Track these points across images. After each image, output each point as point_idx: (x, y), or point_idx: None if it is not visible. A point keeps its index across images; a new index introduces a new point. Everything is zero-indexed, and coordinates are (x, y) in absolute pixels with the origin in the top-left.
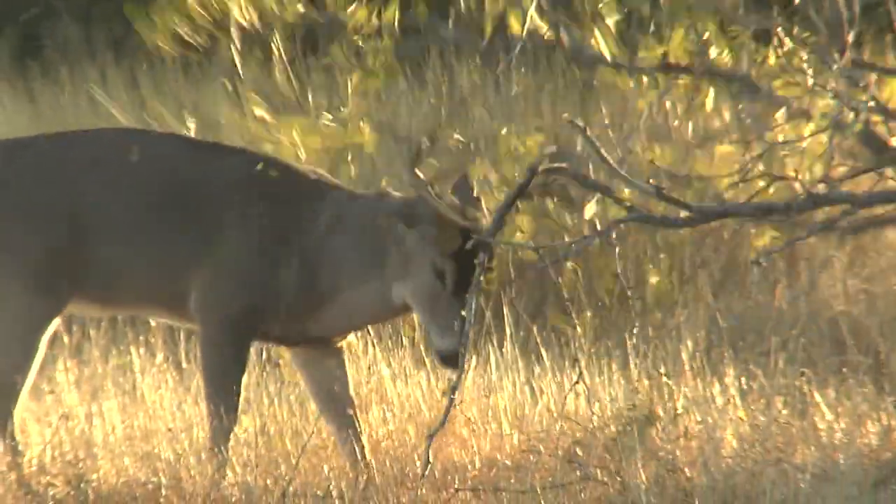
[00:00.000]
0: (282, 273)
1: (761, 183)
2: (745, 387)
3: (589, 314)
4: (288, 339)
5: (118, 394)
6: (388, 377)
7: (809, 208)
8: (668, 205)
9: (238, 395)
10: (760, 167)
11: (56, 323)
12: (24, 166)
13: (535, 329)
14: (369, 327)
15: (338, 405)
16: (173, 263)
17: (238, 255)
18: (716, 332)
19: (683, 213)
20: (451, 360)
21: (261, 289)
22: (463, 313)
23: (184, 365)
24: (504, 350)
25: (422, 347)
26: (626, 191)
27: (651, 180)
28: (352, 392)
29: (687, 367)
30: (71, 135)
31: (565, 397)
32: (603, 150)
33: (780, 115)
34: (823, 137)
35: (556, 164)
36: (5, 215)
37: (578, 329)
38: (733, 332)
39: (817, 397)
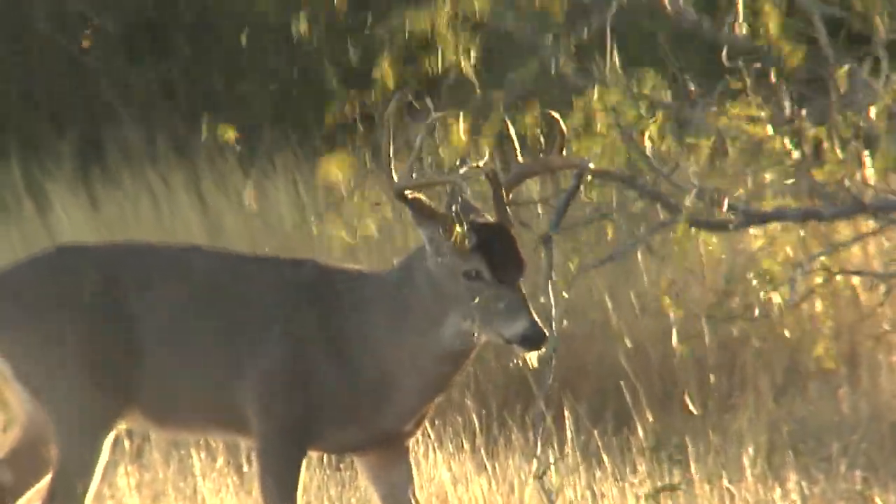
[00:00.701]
0: (327, 375)
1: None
2: (806, 492)
3: (650, 418)
4: (358, 444)
5: (179, 498)
6: (449, 481)
7: (856, 212)
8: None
9: (295, 502)
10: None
11: (117, 428)
12: (81, 273)
13: (595, 433)
14: (427, 422)
15: None
16: (220, 375)
17: (282, 364)
18: (777, 437)
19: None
20: (531, 338)
21: (308, 395)
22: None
23: (245, 468)
24: (565, 454)
25: (483, 452)
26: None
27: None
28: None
29: (748, 473)
30: (126, 245)
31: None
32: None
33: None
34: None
35: (603, 168)
36: (64, 325)
37: (640, 433)
38: (795, 436)
39: (878, 502)
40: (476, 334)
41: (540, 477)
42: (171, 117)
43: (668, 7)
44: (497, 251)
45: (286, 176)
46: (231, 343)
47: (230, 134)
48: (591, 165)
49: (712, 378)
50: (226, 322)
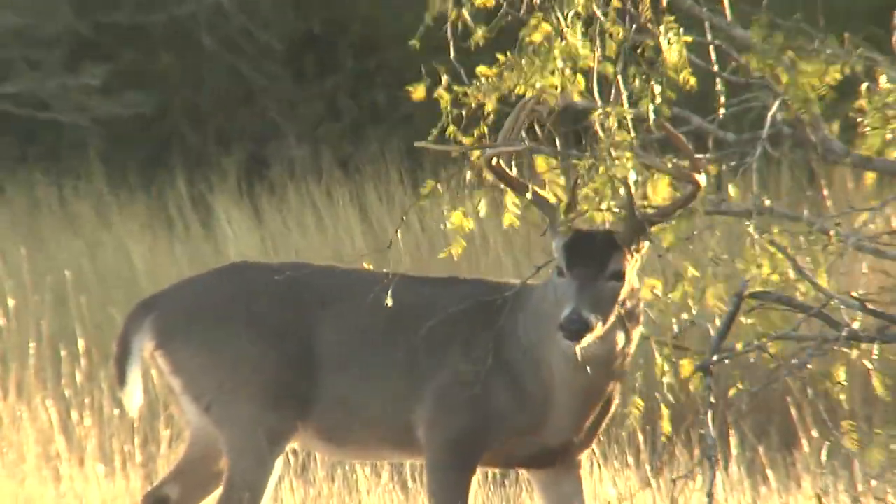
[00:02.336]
0: (497, 390)
1: None
2: None
3: (815, 433)
4: (526, 459)
5: None
6: (615, 498)
7: None
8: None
9: None
10: None
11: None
12: (260, 290)
13: (760, 449)
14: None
15: None
16: (399, 395)
17: (453, 383)
18: None
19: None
20: (567, 327)
21: (481, 411)
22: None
23: (409, 484)
24: (729, 471)
25: (647, 467)
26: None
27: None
28: None
29: None
30: (304, 266)
31: None
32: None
33: None
34: None
35: (761, 289)
36: (238, 342)
37: (805, 448)
38: None
39: None
40: None
41: (708, 495)
42: (336, 133)
43: None
44: (578, 250)
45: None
46: (412, 363)
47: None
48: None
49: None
50: (407, 342)
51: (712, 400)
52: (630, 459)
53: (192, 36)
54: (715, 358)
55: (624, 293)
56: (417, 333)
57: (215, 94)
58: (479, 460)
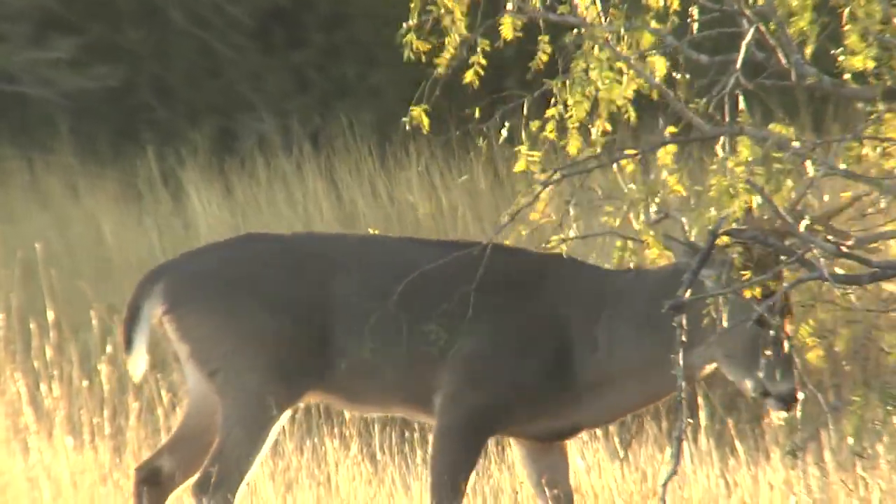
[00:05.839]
0: (535, 367)
1: None
2: None
3: None
4: (539, 435)
5: (312, 486)
6: (583, 469)
7: None
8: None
9: (463, 492)
10: None
11: (287, 416)
12: (270, 259)
13: (730, 422)
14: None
15: (560, 495)
16: (420, 361)
17: (486, 350)
18: None
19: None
20: (789, 398)
21: (510, 384)
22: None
23: (378, 456)
24: (698, 443)
25: (615, 440)
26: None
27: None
28: (572, 483)
29: (882, 461)
30: (314, 234)
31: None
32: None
33: None
34: None
35: (736, 227)
36: (249, 309)
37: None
38: None
39: None
40: None
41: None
42: (305, 107)
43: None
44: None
45: (419, 164)
46: (435, 328)
47: (424, 120)
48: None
49: (846, 367)
50: (428, 310)
51: (683, 339)
52: (598, 431)
53: (159, 9)
54: (687, 295)
55: None
56: (444, 300)
57: (184, 67)
58: (495, 433)
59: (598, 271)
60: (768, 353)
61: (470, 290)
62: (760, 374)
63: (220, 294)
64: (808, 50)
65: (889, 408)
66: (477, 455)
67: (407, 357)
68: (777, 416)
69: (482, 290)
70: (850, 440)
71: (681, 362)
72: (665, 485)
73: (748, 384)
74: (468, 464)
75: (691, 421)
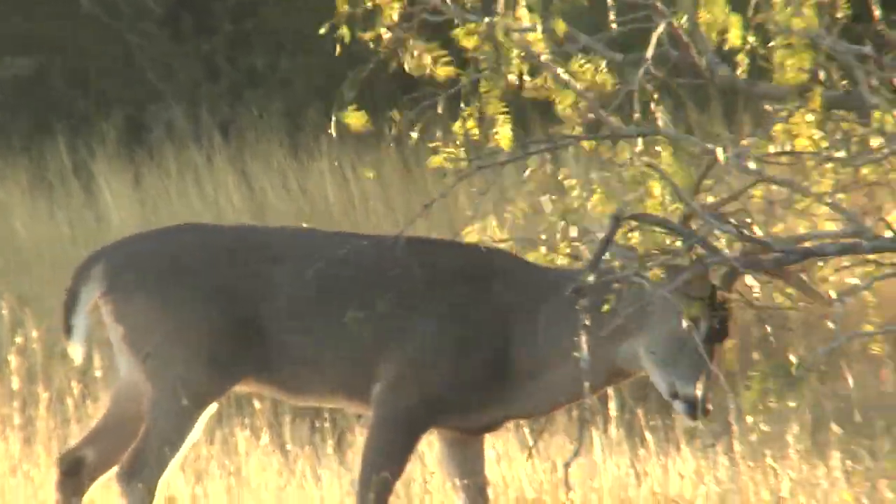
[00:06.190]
0: (476, 361)
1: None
2: (850, 469)
3: None
4: (472, 428)
5: (223, 476)
6: (493, 459)
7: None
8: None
9: (393, 486)
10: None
11: (215, 405)
12: (210, 251)
13: (640, 412)
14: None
15: (475, 486)
16: (360, 354)
17: (427, 347)
18: (821, 415)
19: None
20: (698, 407)
21: (449, 380)
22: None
23: (288, 447)
24: (608, 433)
25: (526, 430)
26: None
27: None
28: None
29: (792, 450)
30: (258, 227)
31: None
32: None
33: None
34: None
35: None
36: (186, 297)
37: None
38: (839, 414)
39: None
40: None
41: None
42: (215, 96)
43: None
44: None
45: (330, 155)
46: (378, 324)
47: (358, 120)
48: None
49: (755, 356)
50: (370, 303)
51: (587, 322)
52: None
53: None
54: (591, 278)
55: None
56: (386, 295)
57: (94, 56)
58: (431, 427)
59: (537, 266)
60: (688, 356)
61: (412, 284)
62: (674, 377)
63: (156, 280)
64: (733, 35)
65: (782, 379)
66: (411, 449)
67: (346, 349)
68: (684, 421)
69: (425, 283)
70: (749, 418)
71: (584, 346)
72: (567, 465)
73: (662, 384)
74: (402, 457)
75: (601, 410)
